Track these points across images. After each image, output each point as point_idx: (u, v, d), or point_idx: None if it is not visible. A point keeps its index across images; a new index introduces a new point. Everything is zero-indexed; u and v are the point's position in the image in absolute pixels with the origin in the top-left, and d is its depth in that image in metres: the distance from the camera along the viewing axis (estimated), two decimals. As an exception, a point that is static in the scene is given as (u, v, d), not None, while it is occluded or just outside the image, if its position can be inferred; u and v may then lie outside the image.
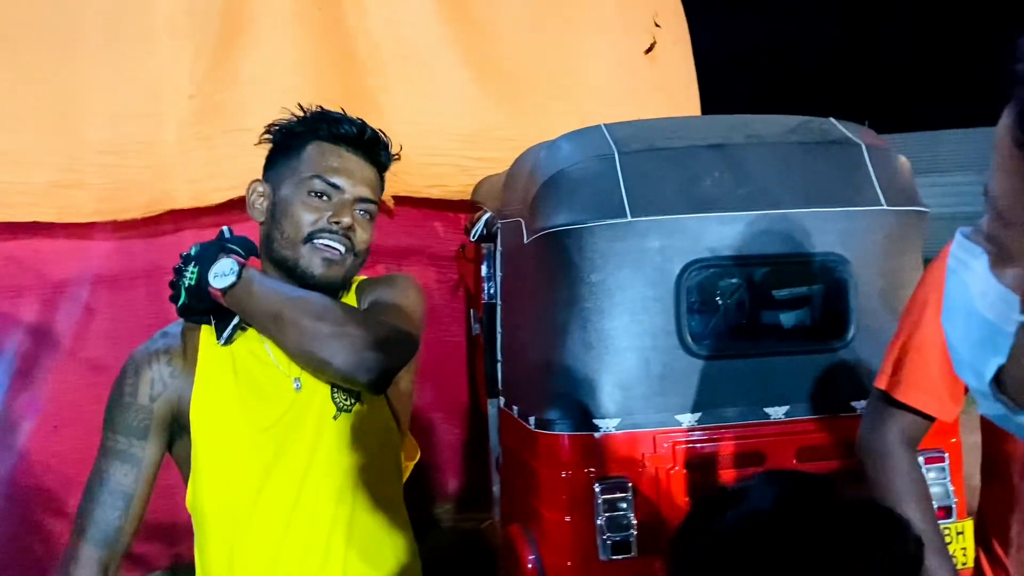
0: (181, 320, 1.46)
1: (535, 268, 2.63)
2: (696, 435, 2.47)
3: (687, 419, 2.46)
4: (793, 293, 2.77)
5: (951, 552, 2.26)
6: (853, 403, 2.51)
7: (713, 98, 5.02)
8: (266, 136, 1.49)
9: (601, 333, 2.45)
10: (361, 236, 1.44)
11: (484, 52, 4.29)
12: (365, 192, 1.45)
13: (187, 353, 1.42)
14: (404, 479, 1.57)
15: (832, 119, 2.78)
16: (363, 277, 1.56)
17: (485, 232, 3.27)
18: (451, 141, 4.07)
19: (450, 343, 4.23)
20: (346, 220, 1.41)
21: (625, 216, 2.44)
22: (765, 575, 0.86)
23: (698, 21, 5.08)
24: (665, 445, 2.44)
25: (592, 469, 2.42)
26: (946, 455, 2.49)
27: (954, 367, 0.58)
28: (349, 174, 1.44)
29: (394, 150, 1.52)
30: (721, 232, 2.48)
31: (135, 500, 1.38)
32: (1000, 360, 0.52)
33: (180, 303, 1.40)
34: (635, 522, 2.37)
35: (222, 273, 1.36)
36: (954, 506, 2.48)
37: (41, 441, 3.47)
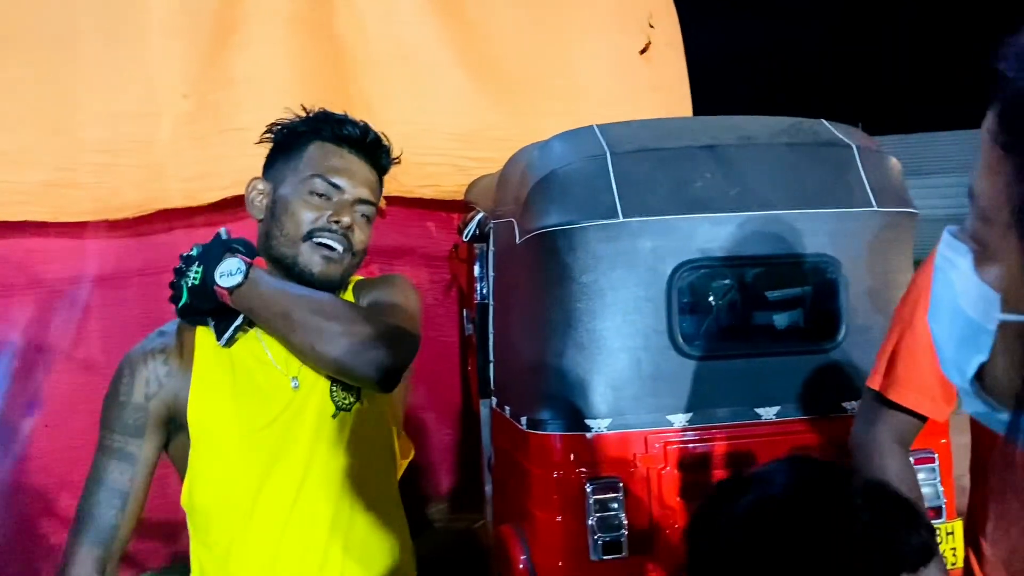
0: (177, 319, 1.46)
1: (527, 268, 2.64)
2: (687, 435, 2.48)
3: (678, 419, 2.47)
4: (784, 294, 2.78)
5: (941, 552, 2.27)
6: (844, 403, 2.52)
7: (707, 100, 5.04)
8: (267, 135, 1.50)
9: (593, 333, 2.46)
10: (359, 237, 1.45)
11: (479, 52, 4.29)
12: (365, 193, 1.47)
13: (183, 352, 1.42)
14: (398, 477, 1.57)
15: (823, 121, 2.79)
16: (359, 277, 1.57)
17: (478, 232, 3.27)
18: (445, 141, 4.08)
19: (443, 343, 4.23)
20: (346, 220, 1.42)
21: (617, 216, 2.45)
22: (780, 559, 0.87)
23: (692, 23, 5.09)
24: (656, 445, 2.45)
25: (583, 469, 2.43)
26: (936, 456, 2.50)
27: (940, 366, 0.58)
28: (351, 175, 1.45)
29: (394, 154, 1.53)
30: (713, 233, 2.49)
31: (132, 499, 1.39)
32: (982, 358, 0.52)
33: (181, 303, 1.39)
34: (626, 522, 2.38)
35: (228, 272, 1.36)
36: (944, 506, 2.50)
37: (33, 440, 3.46)
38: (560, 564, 2.45)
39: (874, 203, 2.58)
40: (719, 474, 2.48)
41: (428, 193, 4.14)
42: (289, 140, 1.47)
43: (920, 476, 2.39)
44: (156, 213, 3.61)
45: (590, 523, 2.37)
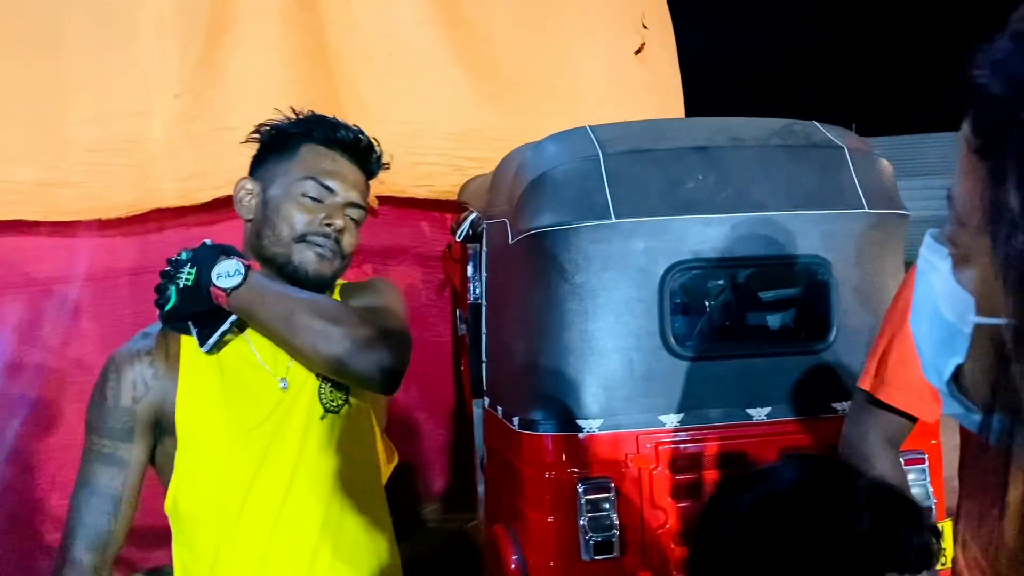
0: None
1: (520, 269, 2.64)
2: (679, 436, 2.48)
3: (670, 420, 2.48)
4: (776, 295, 2.79)
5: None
6: (834, 404, 2.53)
7: (702, 101, 5.05)
8: (254, 135, 1.49)
9: (585, 334, 2.46)
10: (349, 240, 1.46)
11: (474, 52, 4.29)
12: (356, 197, 1.48)
13: (170, 354, 1.41)
14: (383, 482, 1.57)
15: (815, 122, 2.80)
16: (343, 281, 1.57)
17: (471, 232, 3.27)
18: (440, 140, 4.08)
19: (436, 343, 4.23)
20: (339, 223, 1.43)
21: (609, 217, 2.46)
22: (780, 559, 0.88)
23: (687, 24, 5.10)
24: (648, 446, 2.46)
25: (575, 469, 2.43)
26: (926, 456, 2.51)
27: (921, 367, 0.59)
28: (342, 178, 1.46)
29: (385, 158, 1.54)
30: (705, 234, 2.50)
31: (123, 503, 1.38)
32: (958, 360, 0.53)
33: (169, 307, 1.38)
34: (617, 522, 2.38)
35: (227, 273, 1.35)
36: (933, 507, 2.51)
37: (24, 440, 3.45)
38: (552, 564, 2.45)
39: (865, 205, 2.59)
40: (711, 474, 2.49)
41: (422, 193, 4.14)
42: (280, 141, 1.47)
43: (910, 477, 2.41)
44: (149, 212, 3.60)
45: (582, 523, 2.37)
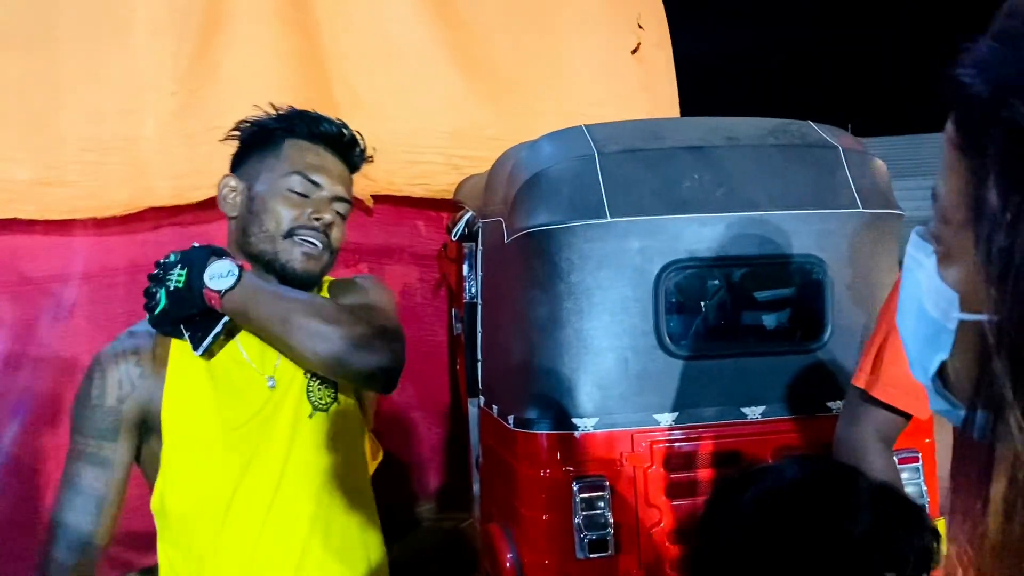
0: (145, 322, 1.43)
1: (515, 268, 2.65)
2: (674, 434, 2.49)
3: (665, 418, 2.48)
4: (770, 294, 2.79)
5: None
6: (828, 403, 2.54)
7: (699, 101, 5.05)
8: (234, 132, 1.49)
9: (580, 333, 2.46)
10: (336, 234, 1.46)
11: (470, 51, 4.30)
12: (342, 191, 1.47)
13: (156, 353, 1.40)
14: (368, 477, 1.57)
15: (810, 122, 2.81)
16: (330, 278, 1.57)
17: (466, 231, 3.28)
18: (437, 139, 4.08)
19: (432, 343, 4.24)
20: (327, 217, 1.43)
21: (604, 217, 2.46)
22: (778, 560, 0.88)
23: (684, 24, 5.11)
24: (643, 444, 2.46)
25: (570, 468, 2.44)
26: (920, 455, 2.52)
27: (908, 364, 0.60)
28: (328, 172, 1.45)
29: (368, 152, 1.53)
30: (700, 233, 2.50)
31: (108, 504, 1.36)
32: (943, 356, 0.54)
33: (158, 311, 1.36)
34: (612, 521, 2.39)
35: (220, 274, 1.33)
36: (927, 506, 2.51)
37: (18, 439, 3.45)
38: (546, 562, 2.46)
39: (860, 204, 2.60)
40: (705, 473, 2.49)
41: (418, 192, 4.14)
42: (262, 137, 1.47)
43: (904, 475, 2.42)
44: (143, 211, 3.60)
45: (576, 521, 2.38)
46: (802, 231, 2.55)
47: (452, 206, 3.90)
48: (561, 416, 2.46)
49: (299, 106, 1.53)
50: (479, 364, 3.03)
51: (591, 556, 2.37)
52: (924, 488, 2.51)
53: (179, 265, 1.36)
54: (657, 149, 2.60)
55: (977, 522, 0.45)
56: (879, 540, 0.87)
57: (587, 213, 2.46)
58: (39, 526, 3.40)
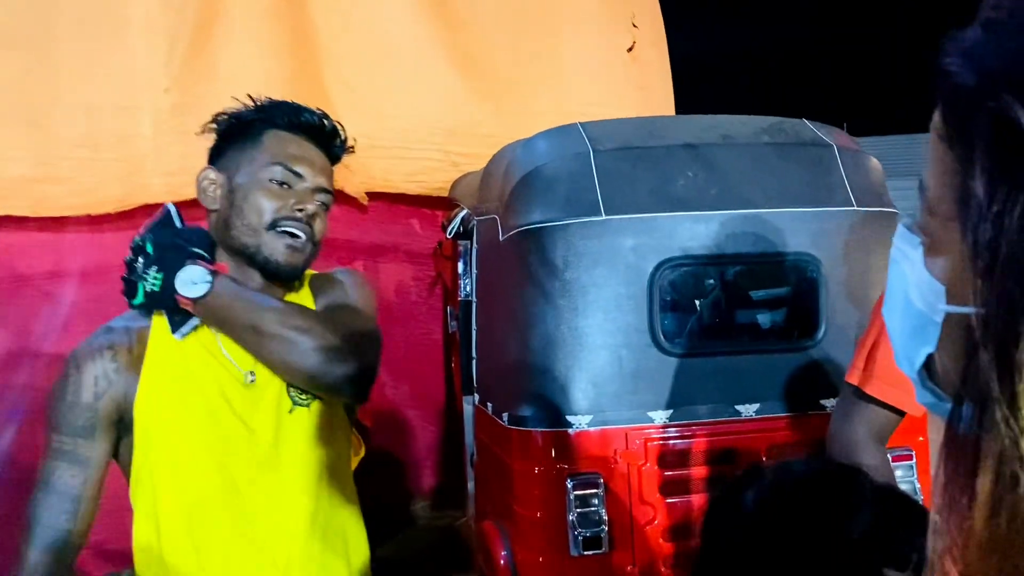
0: (126, 315, 1.43)
1: (510, 265, 2.64)
2: (668, 432, 2.49)
3: (659, 416, 2.48)
4: (765, 292, 2.79)
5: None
6: (823, 401, 2.54)
7: (697, 99, 5.06)
8: (212, 124, 1.47)
9: (574, 330, 2.46)
10: (319, 225, 1.44)
11: (466, 49, 4.30)
12: (324, 182, 1.45)
13: (133, 349, 1.38)
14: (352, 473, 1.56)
15: (805, 120, 2.81)
16: (312, 272, 1.55)
17: (462, 229, 3.27)
18: (433, 136, 4.08)
19: (427, 341, 4.24)
20: (310, 208, 1.41)
21: (599, 214, 2.46)
22: (785, 555, 0.88)
23: (683, 22, 5.11)
24: (637, 442, 2.46)
25: (564, 465, 2.44)
26: (913, 453, 2.52)
27: (894, 357, 0.60)
28: (310, 163, 1.43)
29: (349, 143, 1.51)
30: (694, 231, 2.50)
31: (84, 502, 1.34)
32: (929, 349, 0.54)
33: (136, 302, 1.36)
34: (606, 518, 2.39)
35: (192, 281, 1.32)
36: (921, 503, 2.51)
37: (11, 436, 3.44)
38: (540, 559, 2.46)
39: (854, 203, 2.60)
40: (699, 471, 2.49)
41: (415, 189, 4.14)
42: (241, 129, 1.44)
43: (897, 474, 2.42)
44: (138, 208, 3.59)
45: (571, 519, 2.38)
46: (797, 229, 2.55)
47: (448, 204, 3.90)
48: (555, 414, 2.46)
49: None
50: (474, 362, 3.02)
51: (585, 553, 2.37)
52: (918, 486, 2.51)
53: (155, 267, 1.34)
54: (652, 147, 2.60)
55: (963, 517, 0.45)
56: (880, 539, 0.87)
57: (582, 211, 2.46)
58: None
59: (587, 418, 2.44)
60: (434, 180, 4.06)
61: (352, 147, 1.54)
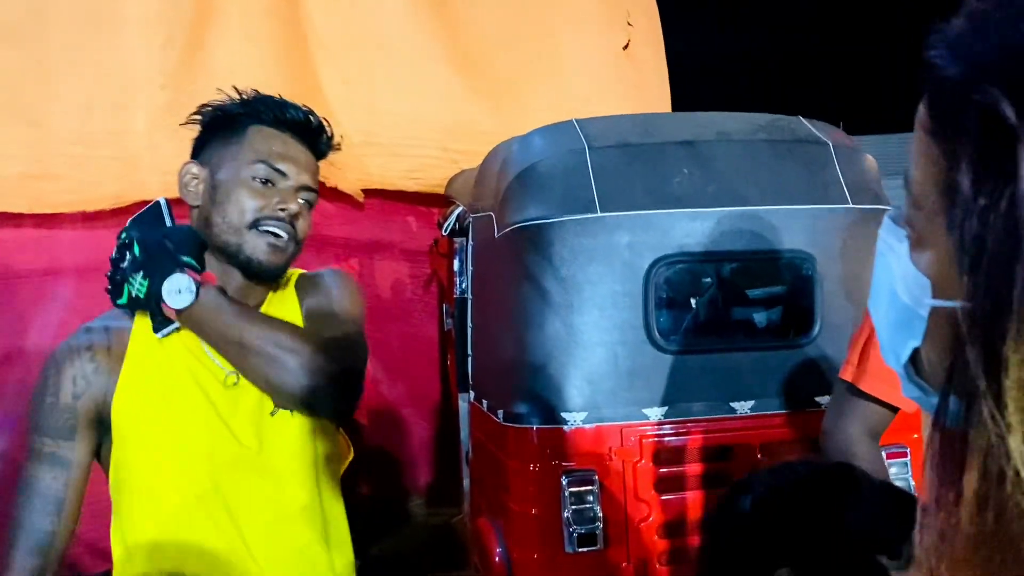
0: (107, 314, 1.41)
1: (505, 262, 2.64)
2: (663, 429, 2.49)
3: (654, 413, 2.48)
4: (760, 290, 2.80)
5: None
6: (817, 398, 2.54)
7: (696, 98, 5.06)
8: (195, 116, 1.43)
9: (570, 328, 2.46)
10: (303, 225, 1.41)
11: (463, 46, 4.30)
12: (308, 180, 1.42)
13: (112, 348, 1.36)
14: (340, 475, 1.53)
15: (800, 118, 2.81)
16: (300, 271, 1.53)
17: (457, 226, 3.27)
18: (432, 133, 4.08)
19: (422, 338, 4.24)
20: (293, 207, 1.38)
21: (595, 211, 2.46)
22: (783, 555, 0.89)
23: (683, 22, 5.12)
24: (632, 439, 2.46)
25: (559, 462, 2.44)
26: (908, 450, 2.53)
27: (880, 351, 0.59)
28: (294, 161, 1.40)
29: (336, 140, 1.48)
30: (690, 228, 2.50)
31: (67, 504, 1.33)
32: (915, 343, 0.53)
33: (120, 302, 1.33)
34: (601, 515, 2.39)
35: (176, 290, 1.29)
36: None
37: (6, 434, 3.43)
38: (535, 556, 2.46)
39: (849, 200, 2.60)
40: (694, 468, 2.49)
41: (412, 186, 4.14)
42: (225, 123, 1.41)
43: (892, 470, 2.43)
44: (133, 205, 3.58)
45: (565, 516, 2.38)
46: (792, 227, 2.55)
47: (444, 201, 3.89)
48: (550, 411, 2.46)
49: (292, 100, 1.50)
50: (469, 359, 3.02)
51: (580, 550, 2.37)
52: (912, 483, 2.52)
53: (141, 271, 1.31)
54: (648, 144, 2.60)
55: (950, 513, 0.44)
56: (875, 533, 0.87)
57: (577, 208, 2.46)
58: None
59: (582, 415, 2.44)
60: (432, 177, 4.06)
61: (339, 144, 1.50)
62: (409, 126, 4.03)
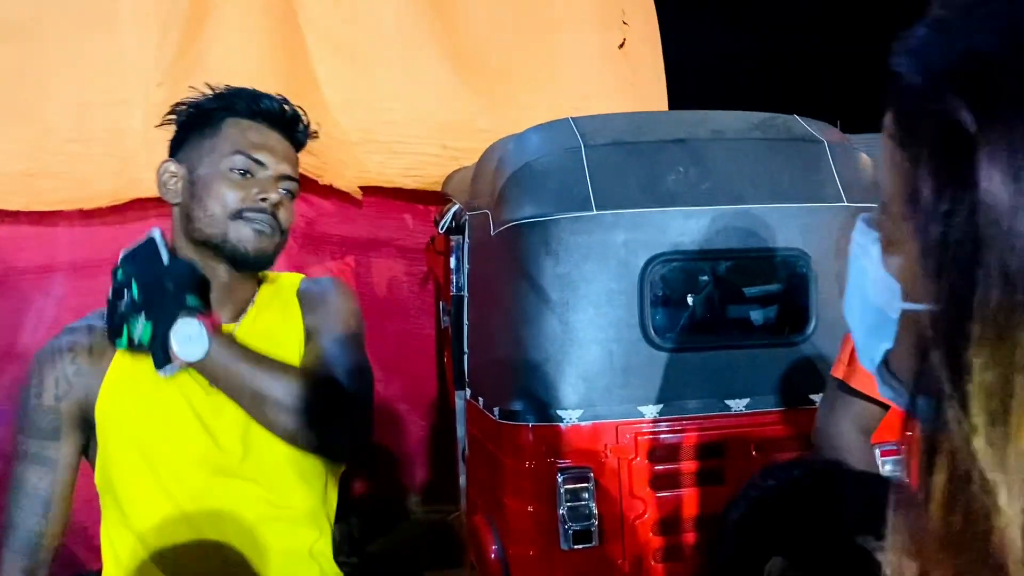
0: (90, 315, 1.39)
1: (501, 260, 2.65)
2: (658, 426, 2.50)
3: (649, 411, 2.49)
4: (755, 288, 2.80)
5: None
6: (812, 396, 2.54)
7: (689, 98, 5.07)
8: (170, 116, 1.42)
9: (566, 325, 2.47)
10: (285, 215, 1.39)
11: (460, 44, 4.30)
12: (287, 169, 1.40)
13: (94, 349, 1.34)
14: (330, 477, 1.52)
15: (796, 116, 2.82)
16: (300, 276, 1.52)
17: (454, 224, 3.28)
18: (430, 131, 4.08)
19: (419, 335, 4.24)
20: (273, 196, 1.36)
21: (590, 209, 2.47)
22: (789, 538, 0.90)
23: (674, 22, 5.12)
24: (627, 436, 2.47)
25: (555, 459, 2.44)
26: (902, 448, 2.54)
27: (856, 352, 0.60)
28: (272, 150, 1.39)
29: (312, 128, 1.46)
30: (685, 226, 2.51)
31: (55, 504, 1.33)
32: (887, 345, 0.54)
33: (120, 344, 1.28)
34: (596, 512, 2.40)
35: (187, 338, 1.25)
36: (909, 498, 2.53)
37: (4, 431, 3.43)
38: (531, 553, 2.46)
39: (844, 198, 2.61)
40: (689, 465, 2.50)
41: (410, 183, 4.14)
42: (201, 118, 1.39)
43: (887, 468, 2.43)
44: (130, 202, 3.59)
45: (561, 512, 2.39)
46: (787, 224, 2.56)
47: (440, 199, 3.90)
48: (546, 408, 2.46)
49: (288, 99, 1.48)
50: (466, 357, 3.03)
51: (575, 547, 2.38)
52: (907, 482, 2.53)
53: (143, 314, 1.25)
54: (644, 142, 2.60)
55: (921, 513, 0.45)
56: (868, 522, 0.88)
57: (573, 206, 2.47)
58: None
59: (577, 412, 2.45)
60: (430, 174, 4.06)
61: (316, 133, 1.47)
62: (407, 124, 4.04)
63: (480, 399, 2.81)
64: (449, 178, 3.77)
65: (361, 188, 4.06)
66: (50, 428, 1.33)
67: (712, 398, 2.53)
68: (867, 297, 0.55)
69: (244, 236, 1.34)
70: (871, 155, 2.82)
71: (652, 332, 2.50)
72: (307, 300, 1.47)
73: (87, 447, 1.37)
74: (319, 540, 1.43)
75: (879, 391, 0.58)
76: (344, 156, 3.91)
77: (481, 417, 2.79)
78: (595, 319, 2.47)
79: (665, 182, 2.53)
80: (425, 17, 4.23)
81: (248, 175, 1.36)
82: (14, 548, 1.32)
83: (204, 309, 1.29)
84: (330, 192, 3.91)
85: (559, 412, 2.46)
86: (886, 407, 1.65)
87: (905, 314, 0.51)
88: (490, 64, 4.34)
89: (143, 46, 3.60)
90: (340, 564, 1.49)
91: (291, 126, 1.43)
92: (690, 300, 2.79)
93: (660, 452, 2.49)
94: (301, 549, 1.40)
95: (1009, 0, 0.45)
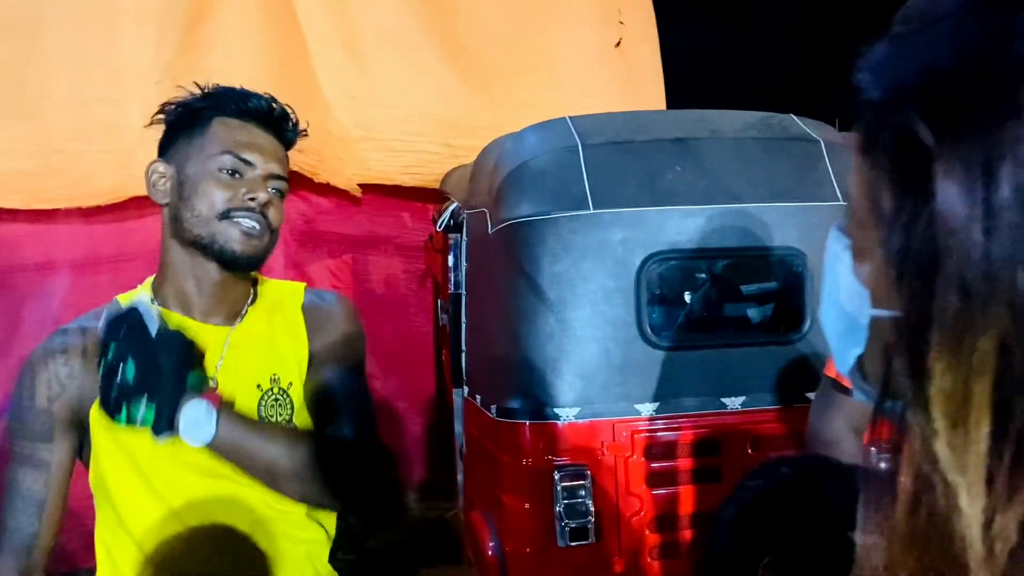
0: (86, 315, 1.39)
1: (498, 259, 2.66)
2: (654, 424, 2.51)
3: (646, 408, 2.50)
4: (752, 286, 2.82)
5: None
6: (808, 394, 2.55)
7: (687, 97, 5.07)
8: (159, 116, 1.42)
9: (563, 323, 2.48)
10: (275, 214, 1.38)
11: (458, 42, 4.31)
12: (276, 168, 1.39)
13: (87, 351, 1.33)
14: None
15: (792, 116, 2.83)
16: (304, 286, 1.50)
17: (452, 222, 3.29)
18: (430, 129, 4.09)
19: (417, 333, 4.25)
20: (262, 196, 1.34)
21: (588, 208, 2.48)
22: (779, 536, 0.91)
23: (672, 21, 5.12)
24: (624, 434, 2.48)
25: (552, 457, 2.46)
26: (897, 445, 2.55)
27: (832, 357, 0.61)
28: (260, 150, 1.37)
29: (301, 127, 1.45)
30: (682, 225, 2.52)
31: (49, 505, 1.32)
32: (859, 351, 0.55)
33: (123, 423, 1.22)
34: (593, 509, 2.41)
35: (196, 421, 1.22)
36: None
37: (3, 431, 3.44)
38: (528, 550, 2.48)
39: (841, 198, 2.62)
40: (685, 463, 2.52)
41: (410, 181, 4.15)
42: (188, 118, 1.38)
43: (884, 467, 2.44)
44: (129, 200, 3.59)
45: (558, 510, 2.40)
46: (783, 224, 2.57)
47: (439, 197, 3.91)
48: (543, 406, 2.48)
49: (287, 97, 1.47)
50: (463, 355, 3.04)
51: (572, 544, 2.39)
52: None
53: (143, 395, 1.20)
54: (641, 141, 2.61)
55: (888, 513, 0.46)
56: (851, 512, 0.89)
57: (570, 204, 2.48)
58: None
59: (574, 410, 2.46)
60: (430, 172, 4.07)
61: (305, 131, 1.46)
62: (407, 121, 4.05)
63: (477, 397, 2.82)
64: (447, 176, 3.78)
65: (360, 186, 4.07)
66: (43, 430, 1.33)
67: (708, 396, 2.54)
68: (840, 303, 0.56)
69: (232, 236, 1.32)
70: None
71: (649, 330, 2.51)
72: (313, 318, 1.45)
73: (81, 448, 1.36)
74: (315, 541, 1.43)
75: (854, 395, 0.60)
76: (343, 153, 3.92)
77: (478, 415, 2.80)
78: (592, 317, 2.48)
79: (662, 181, 2.54)
80: (425, 15, 4.24)
81: (237, 175, 1.35)
82: (8, 550, 1.32)
83: (205, 384, 1.27)
84: (328, 190, 3.92)
85: (556, 410, 2.47)
86: (879, 405, 1.66)
87: (874, 320, 0.53)
88: (489, 62, 4.35)
89: (142, 44, 3.61)
90: (338, 561, 1.50)
91: (280, 125, 1.42)
92: (687, 298, 2.80)
93: (656, 450, 2.50)
94: (296, 551, 1.40)
95: (965, 18, 0.46)
